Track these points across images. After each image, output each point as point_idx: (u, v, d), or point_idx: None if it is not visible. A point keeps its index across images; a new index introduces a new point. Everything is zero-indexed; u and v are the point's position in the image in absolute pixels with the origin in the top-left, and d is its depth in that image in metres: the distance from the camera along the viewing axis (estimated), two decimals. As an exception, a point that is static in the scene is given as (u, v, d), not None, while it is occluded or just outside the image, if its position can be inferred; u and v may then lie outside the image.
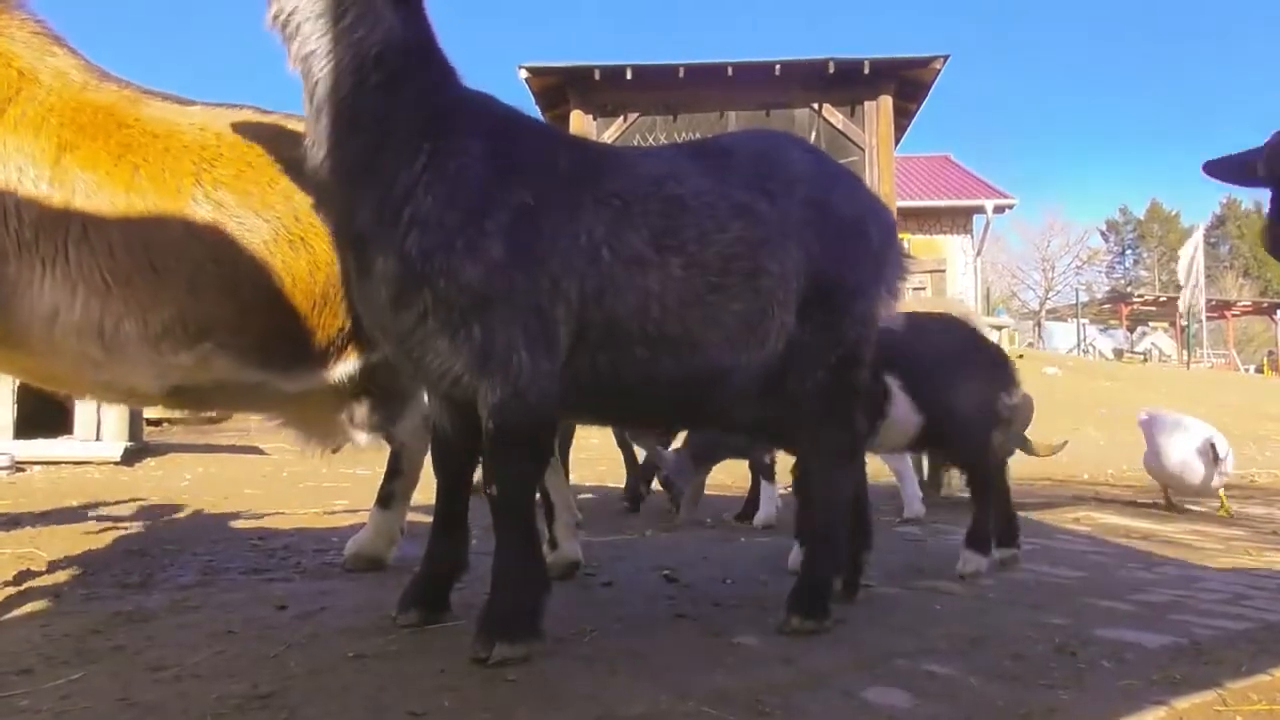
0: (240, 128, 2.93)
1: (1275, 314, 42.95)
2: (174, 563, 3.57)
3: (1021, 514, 5.13)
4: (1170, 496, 5.67)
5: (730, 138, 3.00)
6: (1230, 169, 2.35)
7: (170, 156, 2.78)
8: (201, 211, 2.77)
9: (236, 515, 4.90)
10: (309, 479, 6.69)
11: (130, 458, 8.32)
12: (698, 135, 14.21)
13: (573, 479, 5.47)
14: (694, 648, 2.40)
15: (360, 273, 2.25)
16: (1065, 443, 5.51)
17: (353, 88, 2.15)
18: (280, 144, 2.89)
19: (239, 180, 2.84)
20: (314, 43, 2.15)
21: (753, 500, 5.03)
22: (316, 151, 2.21)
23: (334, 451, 3.44)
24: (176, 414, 3.52)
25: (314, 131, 2.21)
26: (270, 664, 2.21)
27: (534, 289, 2.19)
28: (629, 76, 13.80)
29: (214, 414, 3.49)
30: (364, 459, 7.79)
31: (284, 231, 2.86)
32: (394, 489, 3.43)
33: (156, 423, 12.44)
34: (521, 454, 2.27)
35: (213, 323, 2.78)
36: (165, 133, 2.82)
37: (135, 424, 9.23)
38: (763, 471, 4.92)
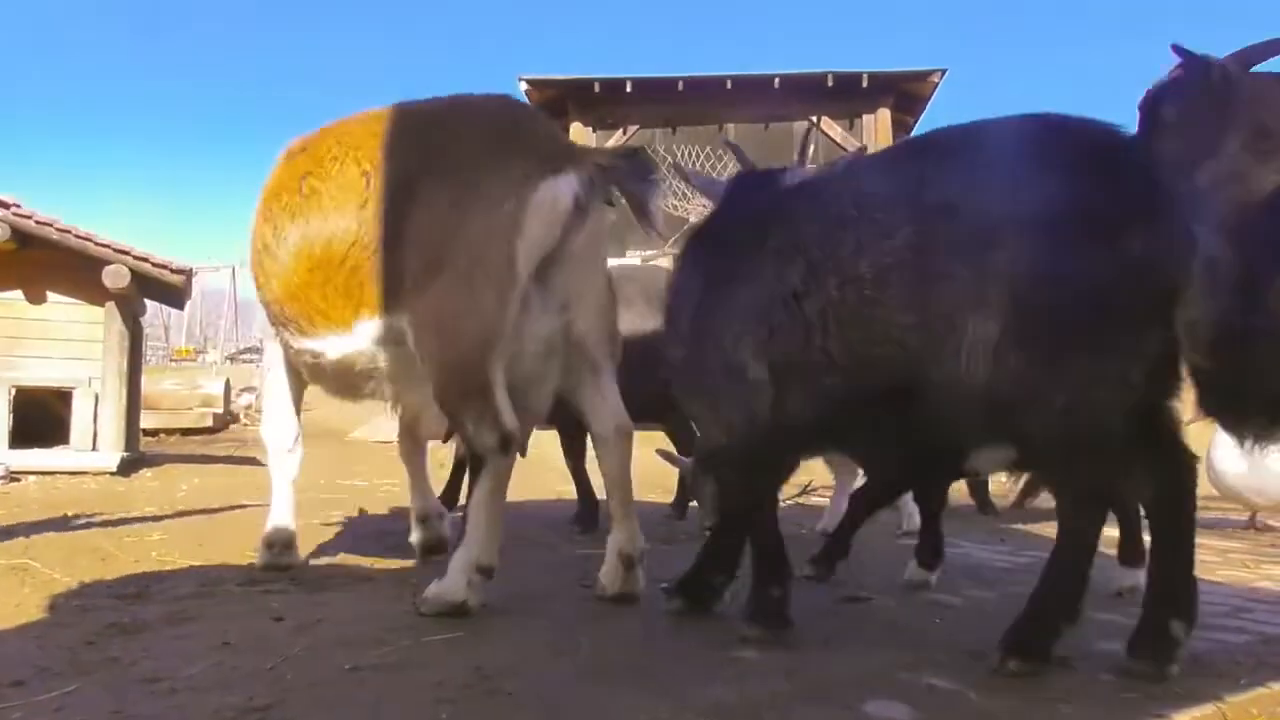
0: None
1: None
2: (171, 574, 3.56)
3: (1023, 526, 5.13)
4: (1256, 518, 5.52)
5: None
6: None
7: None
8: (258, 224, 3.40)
9: (232, 526, 4.88)
10: (305, 490, 6.62)
11: (126, 468, 8.31)
12: (696, 148, 14.26)
13: (565, 490, 5.46)
14: (694, 660, 2.39)
15: None
16: None
17: None
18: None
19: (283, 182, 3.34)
20: None
21: None
22: None
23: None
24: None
25: None
26: (267, 676, 2.19)
27: None
28: (629, 89, 13.86)
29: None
30: (360, 471, 7.80)
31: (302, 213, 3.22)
32: (467, 516, 3.10)
33: (153, 433, 12.42)
34: None
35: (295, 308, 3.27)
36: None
37: (131, 434, 9.21)
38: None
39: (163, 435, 12.85)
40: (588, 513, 5.05)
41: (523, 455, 5.29)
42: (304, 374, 3.55)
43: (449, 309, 2.81)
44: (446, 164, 2.90)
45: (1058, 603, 2.29)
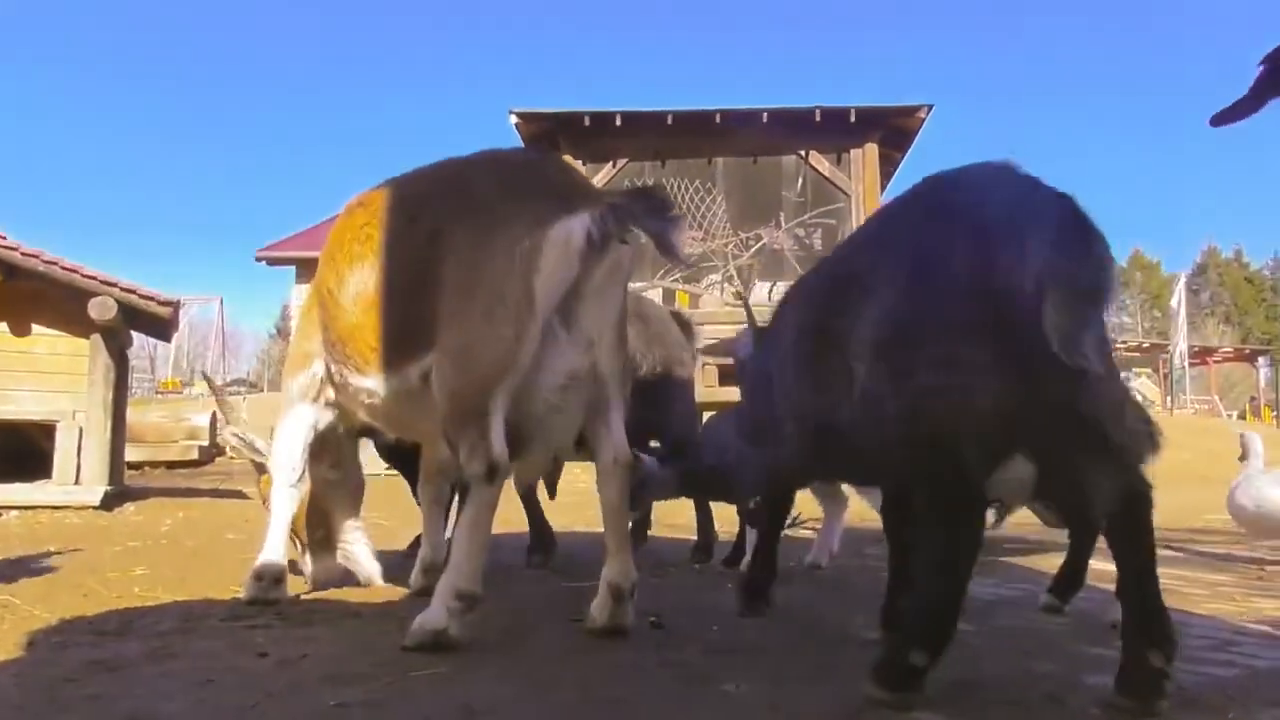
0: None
1: (1256, 361, 43.37)
2: (153, 609, 3.52)
3: (1011, 559, 5.13)
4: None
5: None
6: (1241, 102, 2.26)
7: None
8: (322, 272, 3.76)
9: (217, 560, 4.83)
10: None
11: (110, 502, 8.23)
12: (685, 180, 14.36)
13: (562, 522, 5.44)
14: (679, 695, 2.38)
15: None
16: None
17: None
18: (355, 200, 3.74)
19: (338, 237, 3.67)
20: None
21: (739, 545, 4.99)
22: None
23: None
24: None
25: None
26: (249, 714, 2.16)
27: None
28: (618, 123, 13.97)
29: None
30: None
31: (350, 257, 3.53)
32: (452, 543, 3.12)
33: (138, 466, 12.32)
34: None
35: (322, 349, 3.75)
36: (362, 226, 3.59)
37: (116, 468, 9.13)
38: (747, 517, 4.89)
39: (147, 468, 12.74)
40: (542, 542, 5.06)
41: (551, 497, 5.32)
42: (362, 413, 3.68)
43: (468, 341, 2.95)
44: (474, 210, 3.10)
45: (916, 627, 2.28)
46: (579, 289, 3.00)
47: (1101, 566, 4.87)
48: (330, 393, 3.79)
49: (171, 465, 13.41)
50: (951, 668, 2.63)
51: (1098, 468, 2.27)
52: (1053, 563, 4.90)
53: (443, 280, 3.04)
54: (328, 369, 3.72)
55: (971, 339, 2.22)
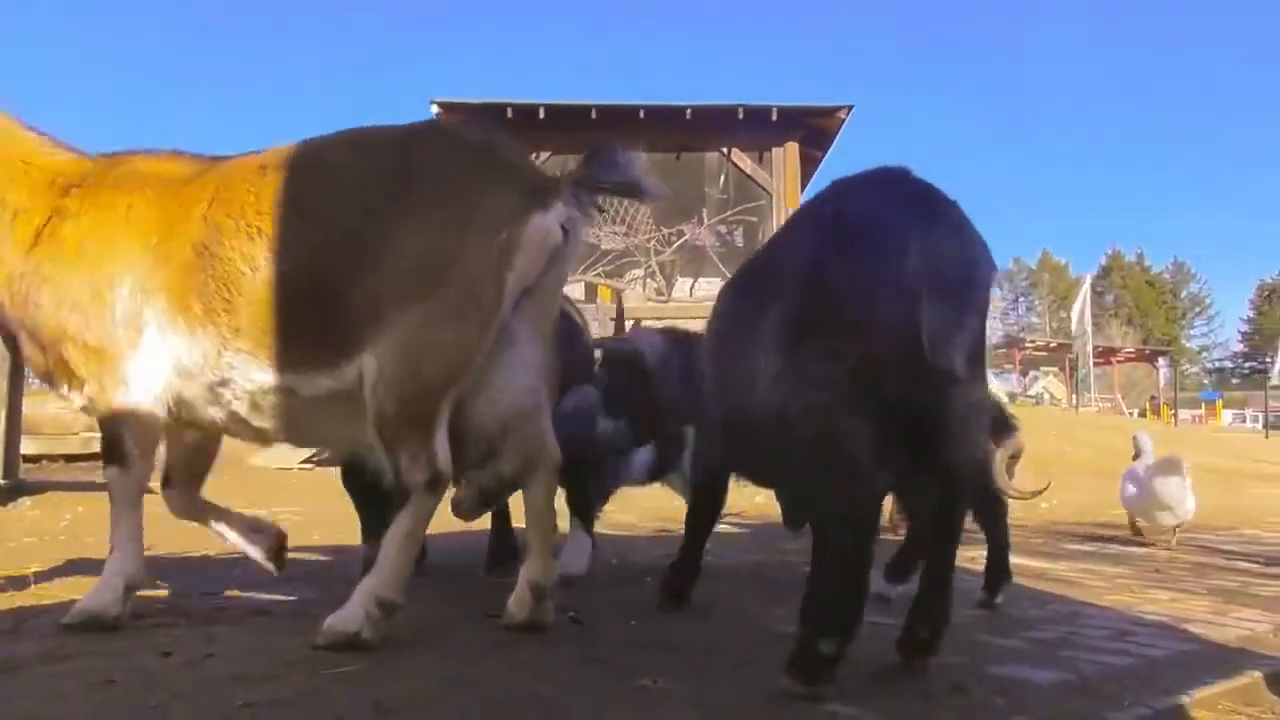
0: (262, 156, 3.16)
1: (1156, 361, 45.29)
2: (48, 608, 3.38)
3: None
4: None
5: None
6: None
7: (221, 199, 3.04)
8: (200, 231, 3.01)
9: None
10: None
11: (4, 496, 7.87)
12: (608, 175, 14.35)
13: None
14: (599, 690, 2.37)
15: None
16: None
17: None
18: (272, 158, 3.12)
19: (231, 195, 3.04)
20: None
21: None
22: None
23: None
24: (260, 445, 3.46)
25: None
26: (152, 715, 2.10)
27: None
28: (542, 115, 13.90)
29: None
30: (258, 500, 7.56)
31: (259, 231, 2.94)
32: (380, 548, 2.87)
33: (35, 459, 11.85)
34: None
35: (220, 334, 2.95)
36: (220, 176, 3.12)
37: (10, 462, 8.75)
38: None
39: (45, 461, 12.24)
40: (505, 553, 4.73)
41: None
42: (240, 410, 3.06)
43: (426, 340, 2.75)
44: (433, 192, 2.85)
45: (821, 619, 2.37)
46: (538, 284, 2.91)
47: (1019, 562, 5.03)
48: (171, 383, 3.07)
49: (71, 458, 12.88)
50: (868, 660, 2.69)
51: (936, 470, 2.47)
52: (967, 555, 5.04)
53: (388, 267, 2.78)
54: (181, 354, 3.02)
55: (851, 338, 2.32)
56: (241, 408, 3.04)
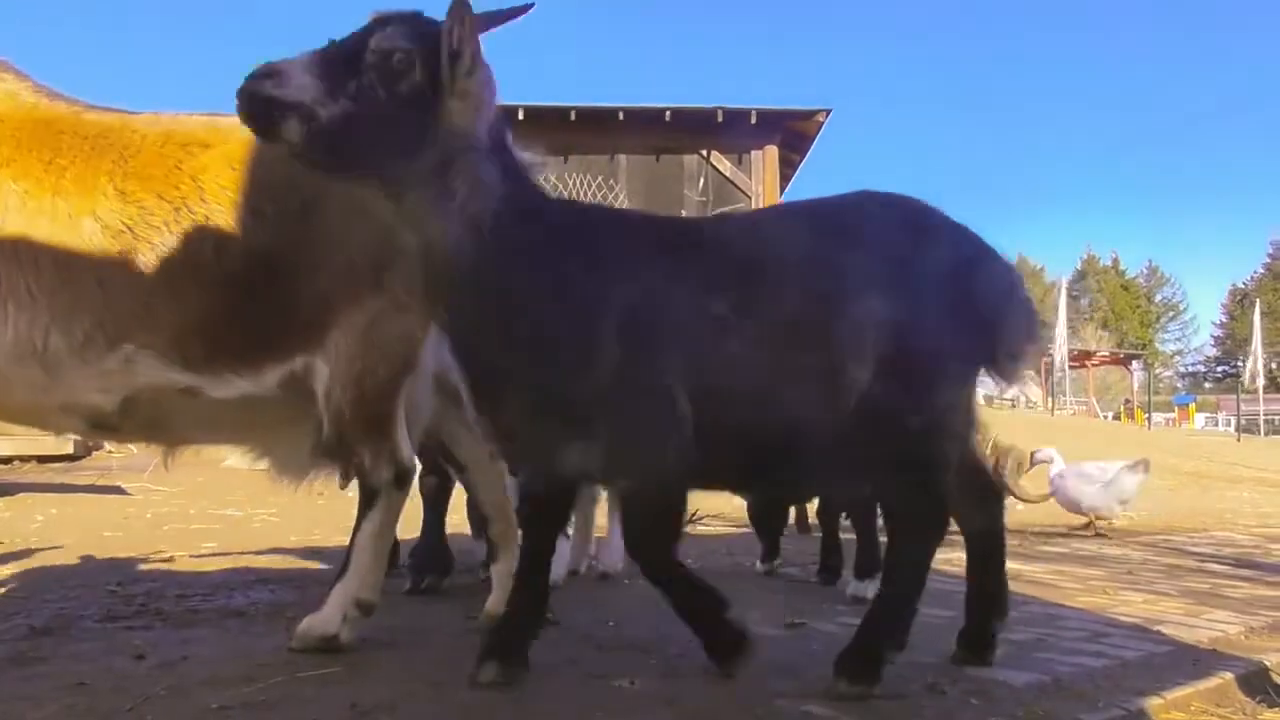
0: (171, 124, 2.83)
1: (1131, 364, 45.76)
2: (20, 610, 3.34)
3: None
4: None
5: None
6: None
7: (95, 155, 2.67)
8: (110, 204, 2.64)
9: (93, 559, 4.62)
10: (175, 520, 6.37)
11: (-24, 498, 7.78)
12: (588, 176, 14.36)
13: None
14: (576, 692, 2.38)
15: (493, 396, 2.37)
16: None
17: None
18: (201, 132, 2.81)
19: (147, 167, 2.70)
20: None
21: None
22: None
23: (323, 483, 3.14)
24: (146, 444, 3.17)
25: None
26: (125, 718, 2.08)
27: (660, 377, 2.29)
28: (520, 116, 13.84)
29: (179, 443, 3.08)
30: (234, 500, 7.52)
31: (186, 211, 2.68)
32: (353, 549, 2.85)
33: (7, 460, 11.73)
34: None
35: (125, 320, 2.62)
36: (95, 134, 2.72)
37: (-17, 462, 8.65)
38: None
39: (17, 463, 12.10)
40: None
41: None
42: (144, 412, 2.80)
43: (375, 337, 2.72)
44: None
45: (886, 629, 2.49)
46: None
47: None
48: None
49: (44, 460, 12.75)
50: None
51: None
52: (935, 559, 5.07)
53: (325, 265, 2.69)
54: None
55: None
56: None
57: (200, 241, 2.67)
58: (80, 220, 2.62)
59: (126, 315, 2.62)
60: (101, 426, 2.88)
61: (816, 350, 2.39)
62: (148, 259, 2.64)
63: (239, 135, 2.70)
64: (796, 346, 2.40)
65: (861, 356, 2.38)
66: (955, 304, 2.45)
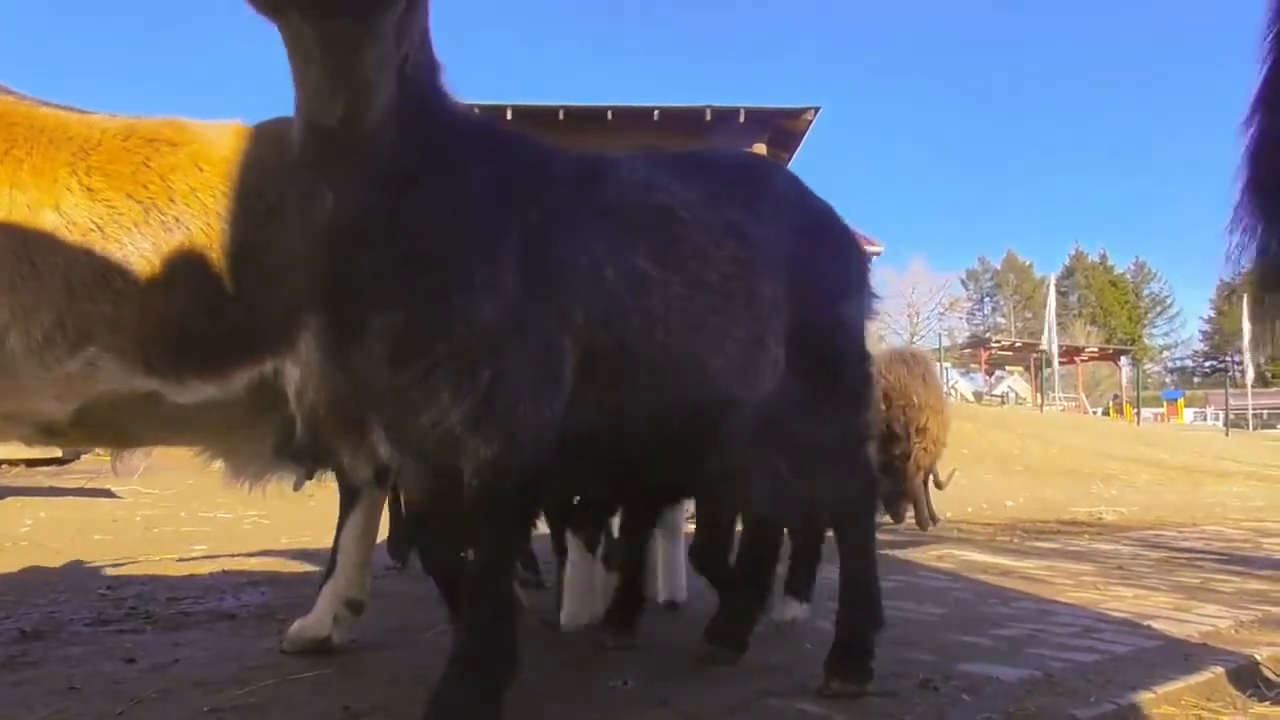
0: (131, 120, 2.74)
1: (1119, 360, 45.97)
2: (10, 615, 3.32)
3: (888, 552, 5.29)
4: None
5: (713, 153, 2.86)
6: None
7: (53, 148, 2.57)
8: (75, 199, 2.53)
9: (82, 563, 4.60)
10: (165, 523, 6.34)
11: (-36, 502, 7.74)
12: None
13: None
14: (570, 691, 2.38)
15: (349, 332, 1.98)
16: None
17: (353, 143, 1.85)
18: (168, 131, 2.72)
19: (112, 163, 2.60)
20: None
21: None
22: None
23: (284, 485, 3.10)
24: (93, 447, 3.02)
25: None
26: (115, 722, 2.07)
27: (544, 321, 1.98)
28: (509, 117, 13.83)
29: (134, 446, 2.94)
30: (224, 503, 7.48)
31: (155, 212, 2.59)
32: (338, 549, 2.85)
33: (-4, 464, 11.65)
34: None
35: (91, 322, 2.50)
36: (52, 127, 2.62)
37: (-30, 466, 8.60)
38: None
39: (5, 466, 12.03)
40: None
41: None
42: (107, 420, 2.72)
43: None
44: None
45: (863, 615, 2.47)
46: None
47: (986, 559, 5.09)
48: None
49: (32, 463, 12.69)
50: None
51: None
52: (925, 555, 5.10)
53: (295, 267, 2.55)
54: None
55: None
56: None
57: (170, 243, 2.59)
58: (41, 213, 2.51)
59: (94, 316, 2.50)
60: (48, 433, 2.74)
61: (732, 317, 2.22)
62: (116, 259, 2.53)
63: (206, 136, 2.68)
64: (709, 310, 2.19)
65: (776, 327, 2.28)
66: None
